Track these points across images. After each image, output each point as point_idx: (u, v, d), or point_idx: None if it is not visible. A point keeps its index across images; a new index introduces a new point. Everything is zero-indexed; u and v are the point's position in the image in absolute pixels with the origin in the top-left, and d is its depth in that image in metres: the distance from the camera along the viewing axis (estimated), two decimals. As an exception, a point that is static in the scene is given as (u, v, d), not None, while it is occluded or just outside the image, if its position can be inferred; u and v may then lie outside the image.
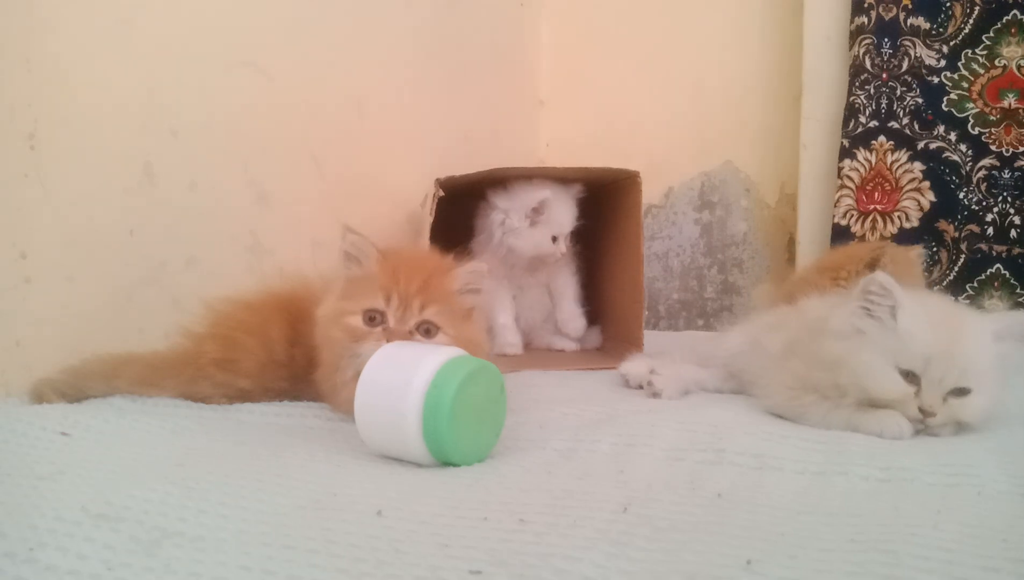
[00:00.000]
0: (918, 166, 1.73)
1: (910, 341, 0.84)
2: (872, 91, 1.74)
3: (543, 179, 1.51)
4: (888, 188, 1.75)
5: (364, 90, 1.49)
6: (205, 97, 1.17)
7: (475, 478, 0.71)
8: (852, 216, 1.76)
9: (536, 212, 1.47)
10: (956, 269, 1.71)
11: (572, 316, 1.57)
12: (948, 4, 1.70)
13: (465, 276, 0.92)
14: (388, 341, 0.83)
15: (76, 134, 0.99)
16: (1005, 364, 0.89)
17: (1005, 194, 1.68)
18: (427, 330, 0.88)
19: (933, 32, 1.71)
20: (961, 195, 1.70)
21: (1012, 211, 1.67)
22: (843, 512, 0.62)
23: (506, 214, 1.47)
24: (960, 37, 1.70)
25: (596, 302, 1.69)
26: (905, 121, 1.73)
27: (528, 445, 0.82)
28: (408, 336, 0.86)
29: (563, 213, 1.51)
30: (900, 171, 1.74)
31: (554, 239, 1.50)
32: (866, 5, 1.73)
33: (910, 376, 0.85)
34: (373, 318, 0.87)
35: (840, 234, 1.76)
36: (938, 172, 1.72)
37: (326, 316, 0.90)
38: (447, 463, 0.73)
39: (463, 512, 0.61)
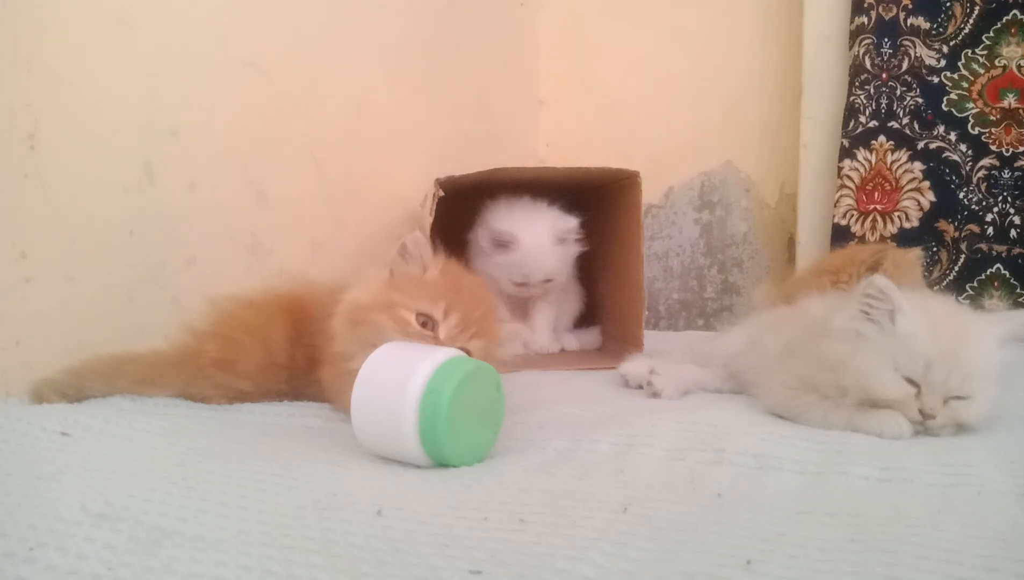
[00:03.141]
0: (918, 166, 1.73)
1: (909, 346, 0.84)
2: (872, 91, 1.74)
3: (537, 200, 1.47)
4: (888, 188, 1.75)
5: (364, 90, 1.49)
6: (205, 97, 1.17)
7: (475, 478, 0.70)
8: (852, 216, 1.76)
9: (497, 243, 1.41)
10: (956, 269, 1.71)
11: (539, 341, 1.52)
12: (948, 4, 1.70)
13: (509, 333, 0.94)
14: None
15: (76, 134, 0.99)
16: (1007, 366, 0.89)
17: (1005, 194, 1.68)
18: (468, 354, 0.87)
19: (933, 32, 1.71)
20: (961, 195, 1.70)
21: (1012, 211, 1.67)
22: (843, 512, 0.61)
23: (484, 228, 1.44)
24: (960, 37, 1.70)
25: (596, 302, 1.69)
26: (905, 121, 1.73)
27: (528, 445, 0.82)
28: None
29: (534, 261, 1.44)
30: (900, 171, 1.74)
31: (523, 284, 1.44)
32: (866, 5, 1.73)
33: (910, 379, 0.85)
34: (425, 323, 0.85)
35: (840, 234, 1.76)
36: (938, 172, 1.72)
37: (369, 300, 0.87)
38: (445, 465, 0.73)
39: (463, 512, 0.61)
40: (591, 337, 1.66)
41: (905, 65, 1.73)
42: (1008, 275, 1.68)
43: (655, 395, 1.08)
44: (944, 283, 1.70)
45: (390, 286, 0.88)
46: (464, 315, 0.86)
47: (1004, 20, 1.67)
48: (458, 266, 0.95)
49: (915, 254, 1.36)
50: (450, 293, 0.87)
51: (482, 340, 0.88)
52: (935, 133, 1.72)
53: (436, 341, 0.84)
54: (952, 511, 0.62)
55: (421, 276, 0.89)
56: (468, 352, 0.86)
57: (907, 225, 1.74)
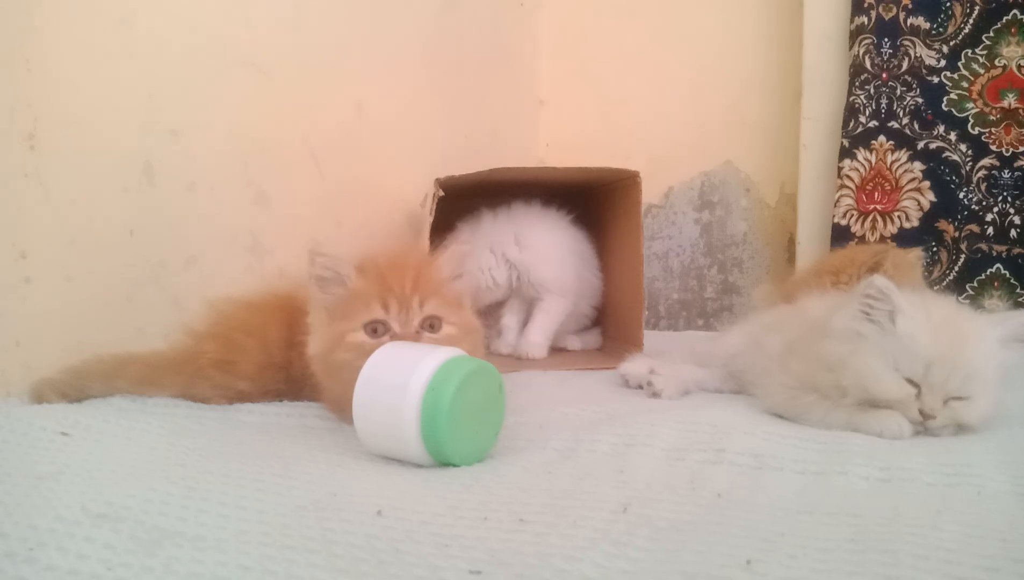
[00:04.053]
0: (918, 166, 1.73)
1: (909, 346, 0.84)
2: (872, 91, 1.74)
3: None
4: (888, 188, 1.75)
5: (364, 90, 1.49)
6: (205, 97, 1.17)
7: (475, 478, 0.70)
8: (852, 216, 1.76)
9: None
10: (956, 269, 1.71)
11: (528, 342, 1.49)
12: (948, 4, 1.70)
13: (449, 262, 0.91)
14: None
15: (76, 134, 0.99)
16: (1007, 367, 0.89)
17: (1005, 194, 1.68)
18: (431, 325, 0.87)
19: (933, 32, 1.71)
20: (961, 195, 1.70)
21: (1012, 211, 1.67)
22: (843, 512, 0.61)
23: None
24: (960, 37, 1.70)
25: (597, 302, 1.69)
26: (905, 121, 1.73)
27: (528, 445, 0.82)
28: (416, 336, 0.85)
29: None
30: (900, 171, 1.74)
31: None
32: (866, 5, 1.73)
33: (910, 380, 0.85)
34: (376, 329, 0.85)
35: (840, 234, 1.76)
36: (938, 172, 1.72)
37: (325, 346, 0.86)
38: (446, 464, 0.73)
39: (463, 512, 0.61)
40: (592, 337, 1.66)
41: (905, 65, 1.73)
42: (1008, 275, 1.68)
43: (655, 395, 1.08)
44: (944, 283, 1.70)
45: (331, 319, 0.87)
46: (400, 296, 0.85)
47: (1004, 20, 1.67)
48: (370, 254, 0.92)
49: (915, 254, 1.36)
50: (378, 286, 0.86)
51: (434, 298, 0.87)
52: (935, 133, 1.72)
53: (394, 337, 0.84)
54: (952, 511, 0.62)
55: (348, 290, 0.87)
56: (437, 319, 0.86)
57: (907, 225, 1.74)
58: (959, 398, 0.85)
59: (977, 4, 1.68)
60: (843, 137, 1.76)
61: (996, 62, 1.68)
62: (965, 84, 1.70)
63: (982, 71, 1.69)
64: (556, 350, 1.59)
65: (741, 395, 1.09)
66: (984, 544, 0.54)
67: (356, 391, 0.74)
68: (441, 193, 1.32)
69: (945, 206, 1.71)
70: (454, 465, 0.73)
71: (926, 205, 1.73)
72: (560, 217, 1.56)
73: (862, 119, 1.74)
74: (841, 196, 1.76)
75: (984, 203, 1.69)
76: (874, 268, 1.25)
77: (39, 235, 0.95)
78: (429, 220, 1.30)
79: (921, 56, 1.72)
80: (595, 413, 0.97)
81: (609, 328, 1.65)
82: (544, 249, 1.50)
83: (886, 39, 1.73)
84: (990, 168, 1.69)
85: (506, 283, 1.50)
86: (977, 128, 1.69)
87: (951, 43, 1.71)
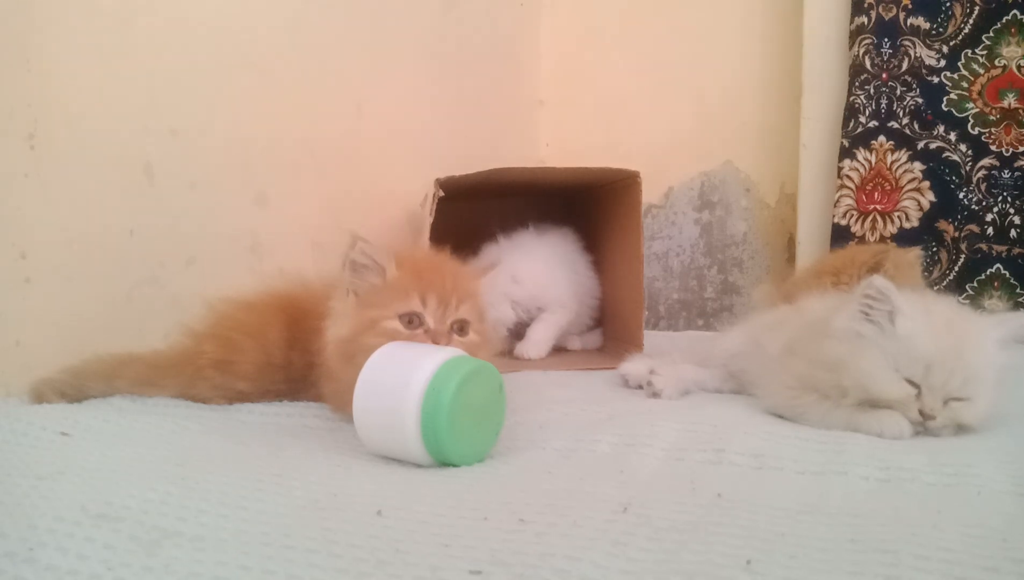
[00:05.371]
0: (918, 166, 1.73)
1: (909, 347, 0.84)
2: (872, 91, 1.74)
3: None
4: (888, 188, 1.75)
5: (364, 90, 1.49)
6: (205, 97, 1.17)
7: (475, 478, 0.70)
8: (852, 216, 1.76)
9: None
10: (956, 269, 1.71)
11: (531, 341, 1.49)
12: (948, 4, 1.70)
13: (487, 280, 0.95)
14: (433, 342, 0.83)
15: (76, 134, 0.99)
16: (1007, 367, 0.88)
17: (1005, 194, 1.68)
18: (461, 328, 0.87)
19: (933, 32, 1.71)
20: (961, 195, 1.70)
21: (1012, 211, 1.67)
22: (843, 512, 0.61)
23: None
24: (960, 37, 1.70)
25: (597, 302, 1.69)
26: (905, 121, 1.73)
27: (528, 445, 0.82)
28: (448, 335, 0.85)
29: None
30: (900, 171, 1.74)
31: None
32: (866, 5, 1.73)
33: (910, 380, 0.85)
34: (411, 321, 0.84)
35: (840, 234, 1.76)
36: (938, 172, 1.72)
37: (352, 330, 0.85)
38: (446, 464, 0.73)
39: (463, 512, 0.61)
40: (592, 337, 1.66)
41: (905, 65, 1.73)
42: (1008, 275, 1.68)
43: (655, 395, 1.08)
44: (944, 283, 1.70)
45: (361, 306, 0.86)
46: (440, 293, 0.85)
47: (1004, 20, 1.67)
48: (408, 249, 0.94)
49: (915, 254, 1.36)
50: (417, 281, 0.86)
51: (467, 302, 0.88)
52: (935, 133, 1.72)
53: (428, 332, 0.84)
54: (952, 511, 0.62)
55: (384, 280, 0.87)
56: (467, 323, 0.87)
57: (907, 225, 1.74)
58: (959, 399, 0.85)
59: (977, 4, 1.68)
60: (843, 137, 1.76)
61: (996, 62, 1.68)
62: (965, 84, 1.70)
63: (982, 71, 1.69)
64: (556, 350, 1.59)
65: (741, 395, 1.09)
66: (984, 544, 0.54)
67: (356, 391, 0.74)
68: (441, 193, 1.32)
69: (945, 206, 1.71)
70: (454, 465, 0.73)
71: (926, 205, 1.73)
72: (538, 234, 1.57)
73: (862, 119, 1.74)
74: (841, 196, 1.76)
75: (984, 203, 1.69)
76: (874, 268, 1.25)
77: (39, 235, 0.95)
78: (429, 220, 1.30)
79: (921, 56, 1.72)
80: (595, 413, 0.97)
81: (609, 328, 1.65)
82: (540, 278, 1.51)
83: (886, 39, 1.73)
84: (990, 168, 1.69)
85: (515, 318, 1.52)
86: (977, 128, 1.69)
87: (951, 43, 1.71)
